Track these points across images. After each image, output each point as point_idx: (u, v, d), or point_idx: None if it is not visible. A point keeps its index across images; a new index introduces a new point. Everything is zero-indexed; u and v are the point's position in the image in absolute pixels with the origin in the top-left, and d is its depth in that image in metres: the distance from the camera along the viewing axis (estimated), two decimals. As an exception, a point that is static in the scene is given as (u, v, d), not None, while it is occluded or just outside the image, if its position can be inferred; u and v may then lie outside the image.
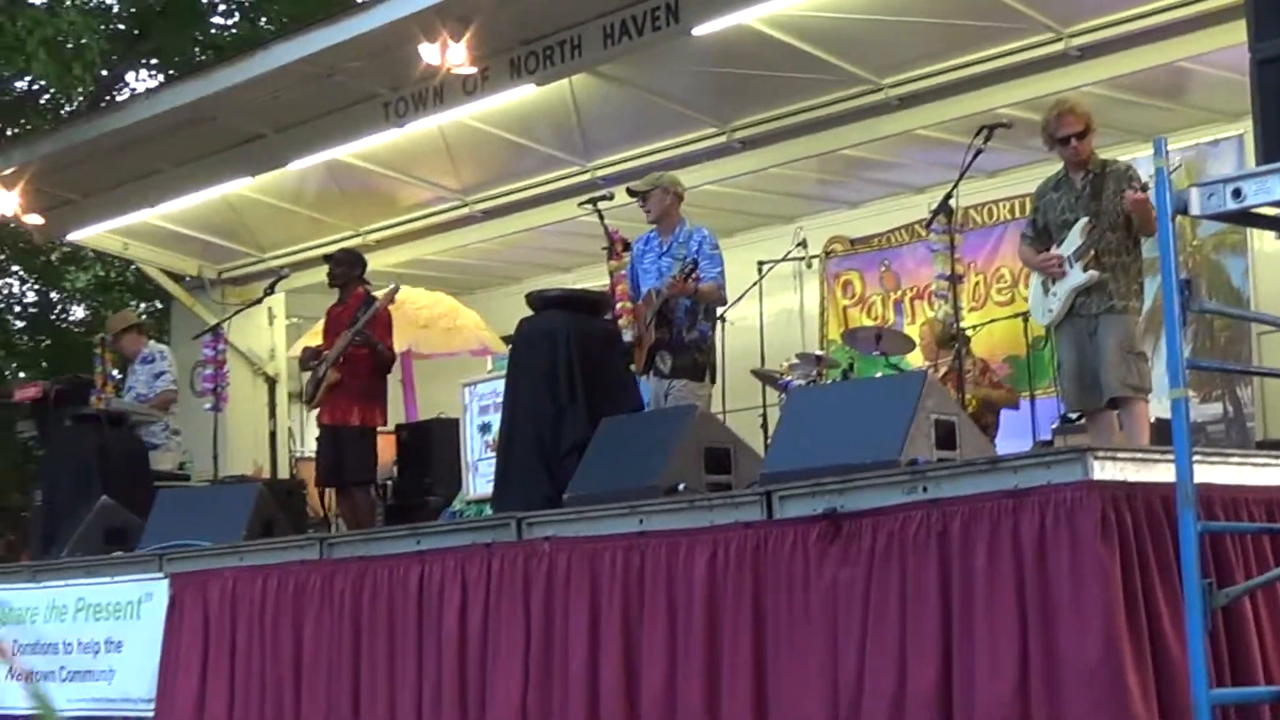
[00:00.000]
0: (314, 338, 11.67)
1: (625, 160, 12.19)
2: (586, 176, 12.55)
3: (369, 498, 11.17)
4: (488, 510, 9.46)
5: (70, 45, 13.60)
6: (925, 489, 5.96)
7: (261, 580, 8.45)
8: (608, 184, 11.34)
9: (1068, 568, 5.46)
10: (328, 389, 10.66)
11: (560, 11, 10.70)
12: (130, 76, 19.64)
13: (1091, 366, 7.79)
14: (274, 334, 15.65)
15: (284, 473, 14.69)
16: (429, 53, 10.36)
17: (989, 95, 10.50)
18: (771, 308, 12.77)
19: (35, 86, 18.08)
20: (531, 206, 13.37)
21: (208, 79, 12.42)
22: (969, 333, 10.96)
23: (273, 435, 15.46)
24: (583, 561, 6.96)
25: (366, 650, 7.84)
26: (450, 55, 10.37)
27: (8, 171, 13.55)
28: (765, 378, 11.56)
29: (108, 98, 18.20)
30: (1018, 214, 11.66)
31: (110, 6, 18.22)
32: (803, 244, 12.80)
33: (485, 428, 11.21)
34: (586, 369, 8.28)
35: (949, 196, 8.85)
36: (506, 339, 11.02)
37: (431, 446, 12.17)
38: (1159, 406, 8.10)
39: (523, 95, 11.49)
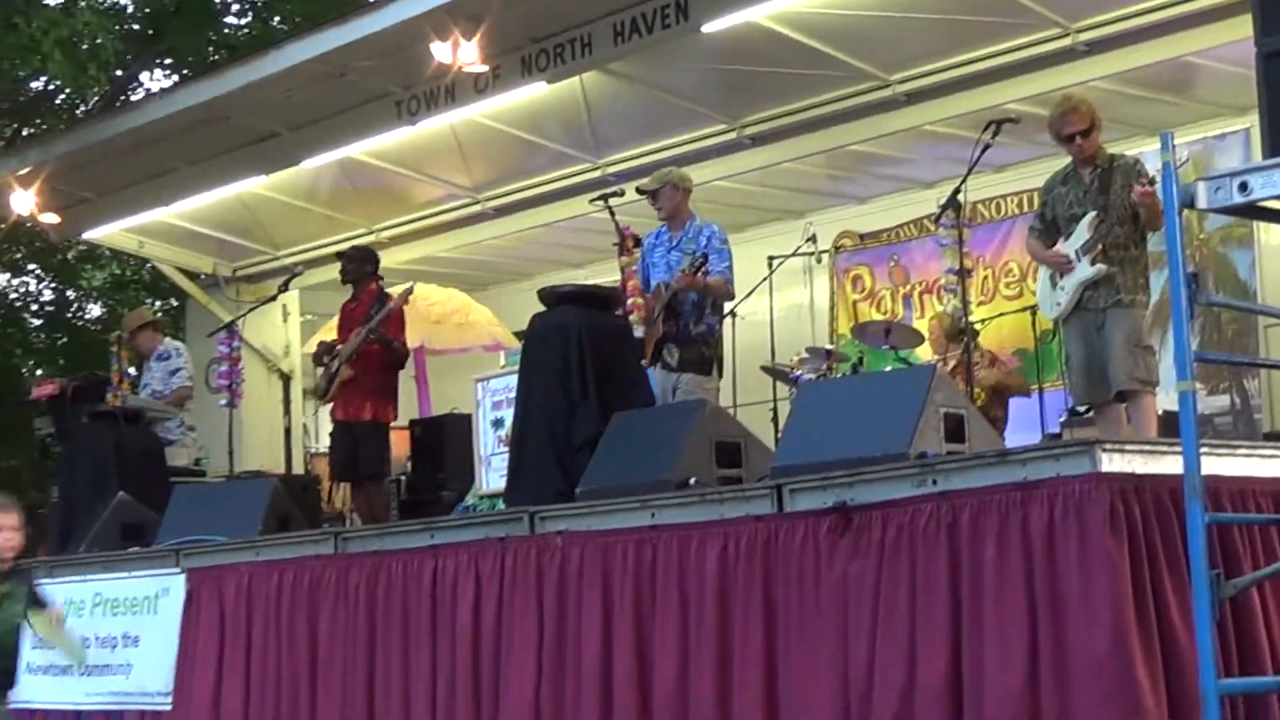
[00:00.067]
0: (328, 334, 11.72)
1: (636, 157, 12.20)
2: (597, 173, 12.55)
3: (383, 492, 11.24)
4: (501, 505, 9.45)
5: (85, 45, 13.64)
6: (935, 482, 5.97)
7: (277, 575, 8.50)
8: (619, 181, 11.33)
9: (1076, 559, 5.47)
10: (341, 385, 10.74)
11: (571, 10, 10.72)
12: (145, 76, 19.70)
13: (1099, 360, 7.82)
14: (288, 331, 15.67)
15: (299, 468, 14.74)
16: (441, 51, 10.38)
17: (997, 91, 10.50)
18: (781, 302, 12.80)
19: (51, 86, 18.11)
20: (543, 203, 13.38)
21: (221, 78, 12.43)
22: (977, 326, 10.96)
23: (287, 431, 15.48)
24: (595, 555, 6.99)
25: (381, 644, 7.88)
26: (462, 53, 10.38)
27: (24, 171, 13.58)
28: (775, 372, 11.58)
29: (122, 97, 18.21)
30: (1026, 208, 11.68)
31: (124, 7, 18.23)
32: (812, 239, 12.82)
33: (498, 423, 11.23)
34: (598, 364, 8.30)
35: (957, 191, 8.93)
36: (519, 334, 11.04)
37: (445, 442, 12.20)
38: (1166, 399, 8.03)
39: (534, 93, 11.49)
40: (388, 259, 12.62)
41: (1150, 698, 5.33)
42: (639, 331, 9.10)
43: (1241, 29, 8.81)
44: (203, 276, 15.90)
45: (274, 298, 13.31)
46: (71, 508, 10.85)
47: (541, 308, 8.79)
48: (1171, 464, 5.53)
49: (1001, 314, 11.89)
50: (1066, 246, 7.99)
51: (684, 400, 8.88)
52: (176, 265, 15.95)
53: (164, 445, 11.57)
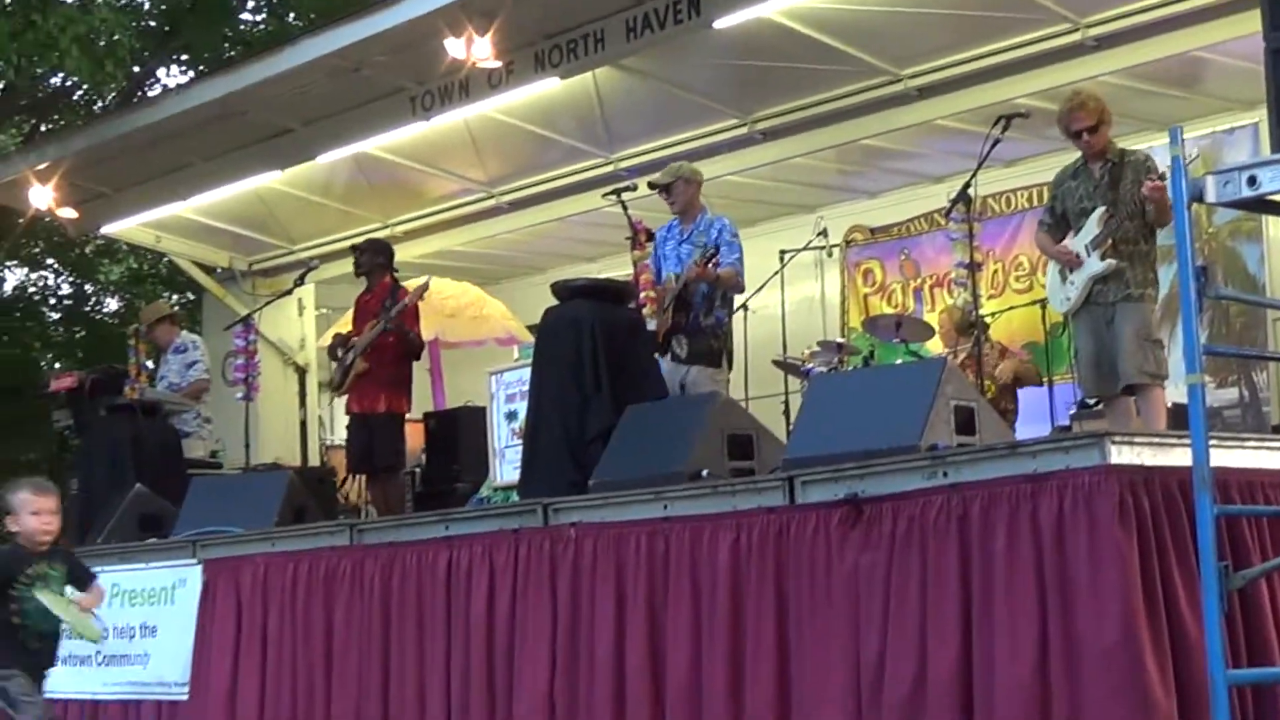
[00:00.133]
0: (343, 327, 11.76)
1: (648, 152, 12.25)
2: (610, 168, 12.60)
3: (398, 484, 11.28)
4: (515, 497, 9.48)
5: (102, 42, 13.70)
6: (945, 474, 5.98)
7: (293, 566, 8.51)
8: (631, 175, 11.39)
9: (1086, 551, 5.48)
10: (356, 377, 10.79)
11: (583, 5, 10.77)
12: (161, 72, 19.76)
13: (1109, 354, 7.84)
14: (304, 324, 15.73)
15: (314, 460, 14.77)
16: (454, 47, 10.42)
17: (1007, 85, 10.53)
18: (793, 296, 12.82)
19: (68, 83, 18.15)
20: (556, 198, 13.44)
21: (237, 74, 12.49)
22: (988, 320, 11.01)
23: (303, 424, 15.53)
24: (608, 546, 7.00)
25: (396, 634, 7.89)
26: (475, 49, 10.42)
27: (42, 166, 13.64)
28: (787, 365, 11.60)
29: (139, 94, 18.26)
30: (1036, 202, 11.70)
31: (141, 4, 18.21)
32: (823, 233, 12.72)
33: (512, 415, 11.22)
34: (611, 357, 8.32)
35: (968, 185, 8.96)
36: (532, 328, 11.08)
37: (459, 434, 12.20)
38: (1175, 392, 8.13)
39: (547, 88, 11.55)
40: (403, 253, 12.66)
41: (1159, 688, 5.33)
42: (652, 325, 9.12)
43: (1250, 24, 8.81)
44: (219, 270, 15.97)
45: (289, 291, 13.33)
46: (89, 499, 10.87)
47: (555, 301, 8.82)
48: (1180, 456, 5.53)
49: (1011, 307, 11.93)
50: (1076, 241, 8.00)
51: (697, 393, 8.91)
52: (193, 259, 16.03)
53: (181, 437, 11.60)
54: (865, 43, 10.85)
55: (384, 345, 10.76)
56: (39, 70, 16.52)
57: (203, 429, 12.13)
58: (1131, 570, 5.41)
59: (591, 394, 8.25)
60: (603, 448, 7.86)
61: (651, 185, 9.70)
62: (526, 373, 9.52)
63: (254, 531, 8.99)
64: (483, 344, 14.44)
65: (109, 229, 15.76)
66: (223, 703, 8.66)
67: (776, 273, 12.31)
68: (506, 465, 11.12)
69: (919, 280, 13.15)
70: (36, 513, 7.02)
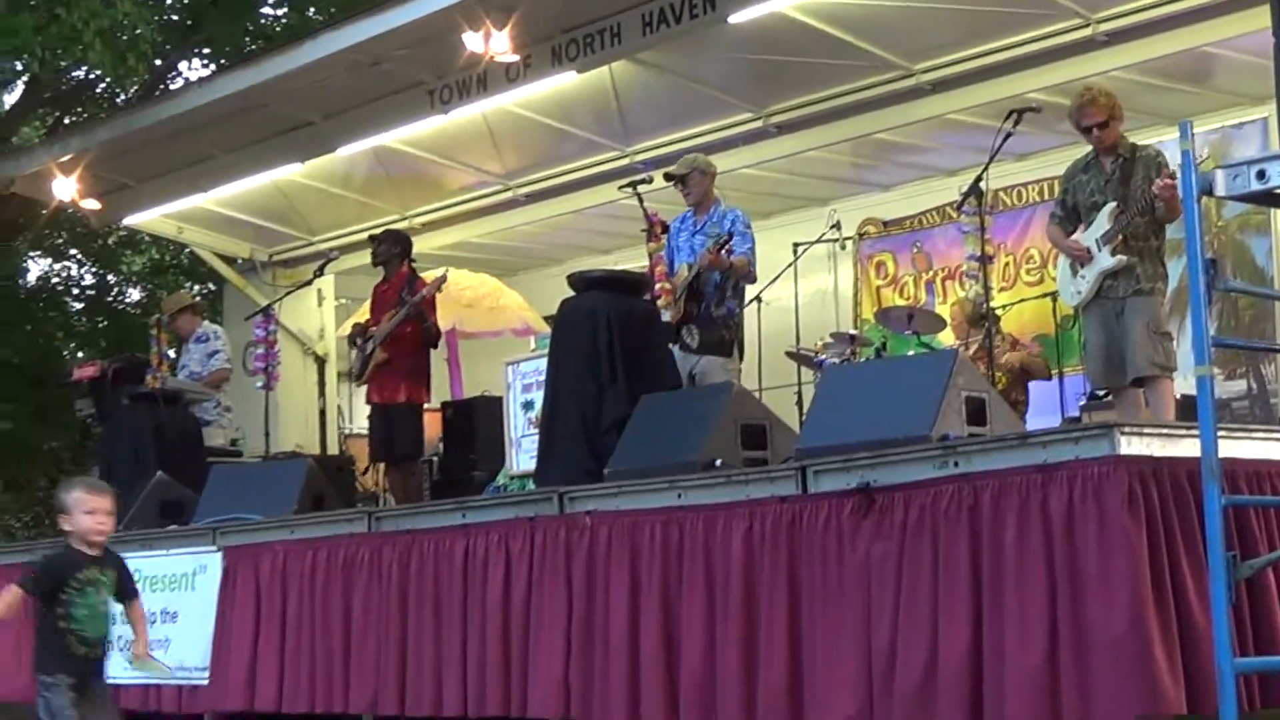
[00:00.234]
0: (361, 317, 11.83)
1: (664, 145, 12.28)
2: (626, 161, 12.65)
3: (416, 473, 11.36)
4: (531, 485, 9.54)
5: (125, 36, 13.77)
6: (956, 464, 6.01)
7: (311, 553, 8.56)
8: (647, 168, 11.44)
9: (1095, 541, 5.51)
10: (376, 367, 10.88)
11: (600, 1, 10.80)
12: (183, 66, 19.77)
13: (1119, 346, 7.88)
14: (323, 315, 15.81)
15: (333, 449, 14.84)
16: (473, 41, 10.49)
17: (1018, 80, 10.55)
18: (806, 288, 12.87)
19: (91, 76, 18.22)
20: (573, 190, 13.47)
21: (258, 68, 12.53)
22: (999, 312, 11.01)
23: (322, 413, 15.59)
24: (623, 535, 7.04)
25: (413, 620, 7.93)
26: (493, 43, 10.49)
27: (66, 158, 13.72)
28: (800, 357, 11.66)
29: (161, 87, 18.33)
30: (1047, 196, 11.72)
31: (164, -2, 18.40)
32: (837, 226, 12.91)
33: (528, 405, 11.26)
34: (627, 348, 8.38)
35: (979, 179, 9.00)
36: (549, 319, 11.17)
37: (476, 423, 12.26)
38: (1184, 383, 8.08)
39: (564, 82, 11.59)
40: (421, 244, 12.71)
41: (1167, 677, 5.37)
42: (667, 316, 9.17)
43: (1259, 20, 8.89)
44: (240, 261, 16.04)
45: (309, 282, 13.42)
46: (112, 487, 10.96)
47: (571, 292, 8.87)
48: (1189, 447, 5.56)
49: (1022, 300, 11.95)
50: (1087, 236, 8.05)
51: (709, 383, 8.95)
52: (214, 250, 16.09)
53: (201, 426, 11.65)
54: (878, 37, 10.88)
55: (402, 335, 10.85)
56: (63, 63, 16.58)
57: (222, 417, 12.20)
58: (1140, 560, 5.45)
59: (607, 384, 8.31)
60: (618, 437, 7.91)
61: (667, 176, 9.75)
62: (543, 363, 9.58)
63: (273, 519, 9.04)
64: (500, 334, 14.52)
65: (131, 220, 15.83)
66: (242, 687, 8.71)
67: (790, 265, 12.40)
68: (523, 454, 11.16)
69: (931, 273, 13.18)
70: (91, 512, 6.83)
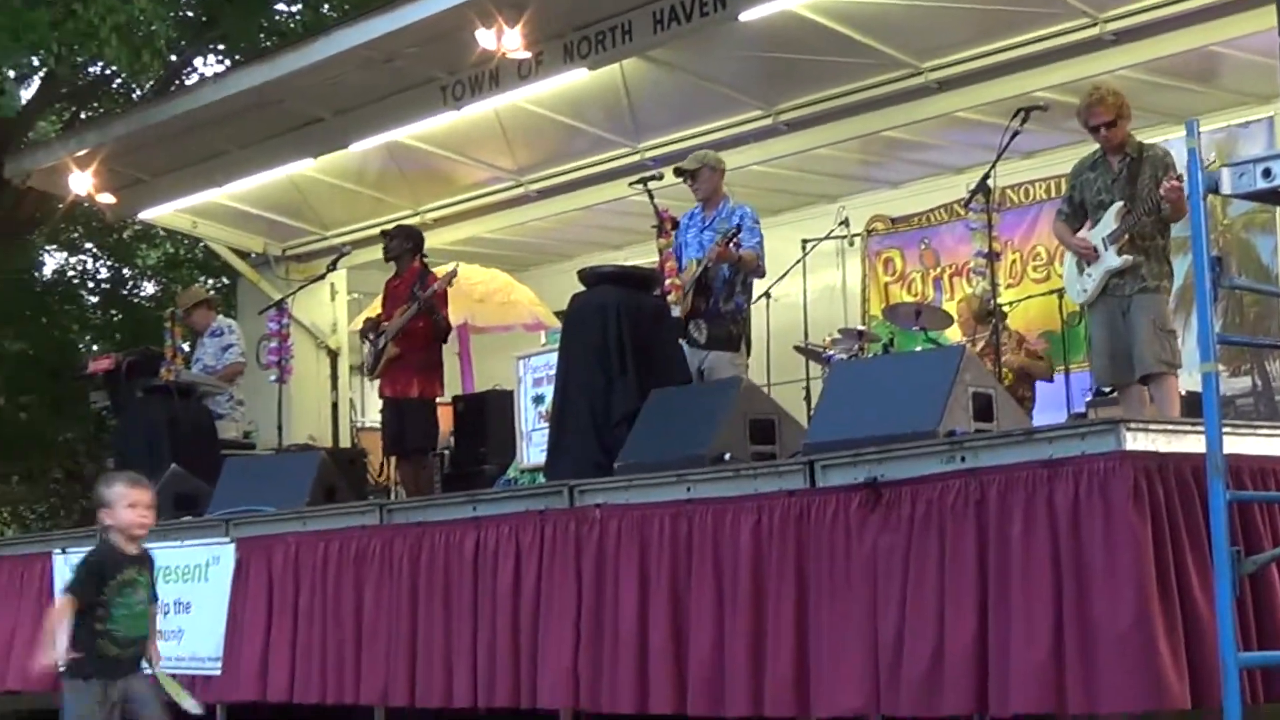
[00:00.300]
0: (373, 312, 11.80)
1: (674, 142, 12.31)
2: (637, 157, 12.67)
3: (427, 466, 11.38)
4: (541, 478, 9.59)
5: (141, 32, 13.82)
6: (963, 459, 6.04)
7: (323, 545, 8.59)
8: (657, 165, 11.47)
9: (1101, 536, 5.54)
10: (388, 362, 10.93)
11: (612, -2, 10.86)
12: (198, 61, 19.83)
13: (1124, 344, 7.90)
14: (336, 309, 15.84)
15: (345, 442, 14.91)
16: (485, 38, 10.54)
17: (1026, 79, 10.57)
18: (815, 284, 12.93)
19: (108, 71, 18.27)
20: (584, 186, 13.50)
21: (272, 64, 12.58)
22: (1005, 309, 11.06)
23: (335, 406, 15.66)
24: (632, 528, 7.07)
25: (424, 612, 7.95)
26: (505, 40, 10.54)
27: (82, 153, 13.78)
28: (808, 352, 11.67)
29: (177, 82, 18.37)
30: (1054, 194, 11.75)
31: (180, -7, 18.38)
32: (845, 223, 12.96)
33: (539, 399, 11.32)
34: (637, 342, 8.42)
35: (987, 177, 9.02)
36: (559, 314, 11.20)
37: (487, 417, 12.30)
38: (1189, 380, 8.19)
39: (575, 79, 11.63)
40: (433, 240, 12.77)
41: (1172, 671, 5.40)
42: (676, 311, 9.19)
43: (1265, 19, 8.90)
44: (253, 255, 16.08)
45: (322, 276, 13.40)
46: (126, 479, 11.00)
47: (582, 288, 8.92)
48: (1194, 443, 5.57)
49: (1029, 296, 11.98)
50: (1094, 234, 8.07)
51: (718, 378, 8.97)
52: (228, 245, 16.14)
53: (214, 419, 11.69)
54: (887, 36, 10.91)
55: (414, 330, 10.87)
56: (79, 59, 16.62)
57: (234, 411, 12.23)
58: (1145, 555, 5.48)
59: (617, 378, 8.34)
60: (628, 431, 7.93)
61: (677, 171, 9.77)
62: (553, 357, 9.62)
63: (286, 511, 9.07)
64: (511, 329, 14.55)
65: (146, 214, 15.86)
66: (254, 677, 8.76)
67: (799, 261, 12.45)
68: (533, 447, 11.19)
69: (938, 269, 13.22)
70: (133, 505, 6.67)
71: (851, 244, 13.46)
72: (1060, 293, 10.38)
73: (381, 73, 12.01)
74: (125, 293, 22.96)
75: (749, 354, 9.68)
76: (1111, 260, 7.94)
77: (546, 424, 10.12)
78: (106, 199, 14.35)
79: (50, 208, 17.65)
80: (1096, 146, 8.21)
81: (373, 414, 13.36)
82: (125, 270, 23.06)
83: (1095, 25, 10.21)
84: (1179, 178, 7.55)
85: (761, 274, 9.78)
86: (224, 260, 16.76)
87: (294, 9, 19.57)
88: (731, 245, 9.12)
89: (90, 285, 22.78)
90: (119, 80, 19.02)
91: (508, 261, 15.52)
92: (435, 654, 7.87)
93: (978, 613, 5.81)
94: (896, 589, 6.07)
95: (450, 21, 10.83)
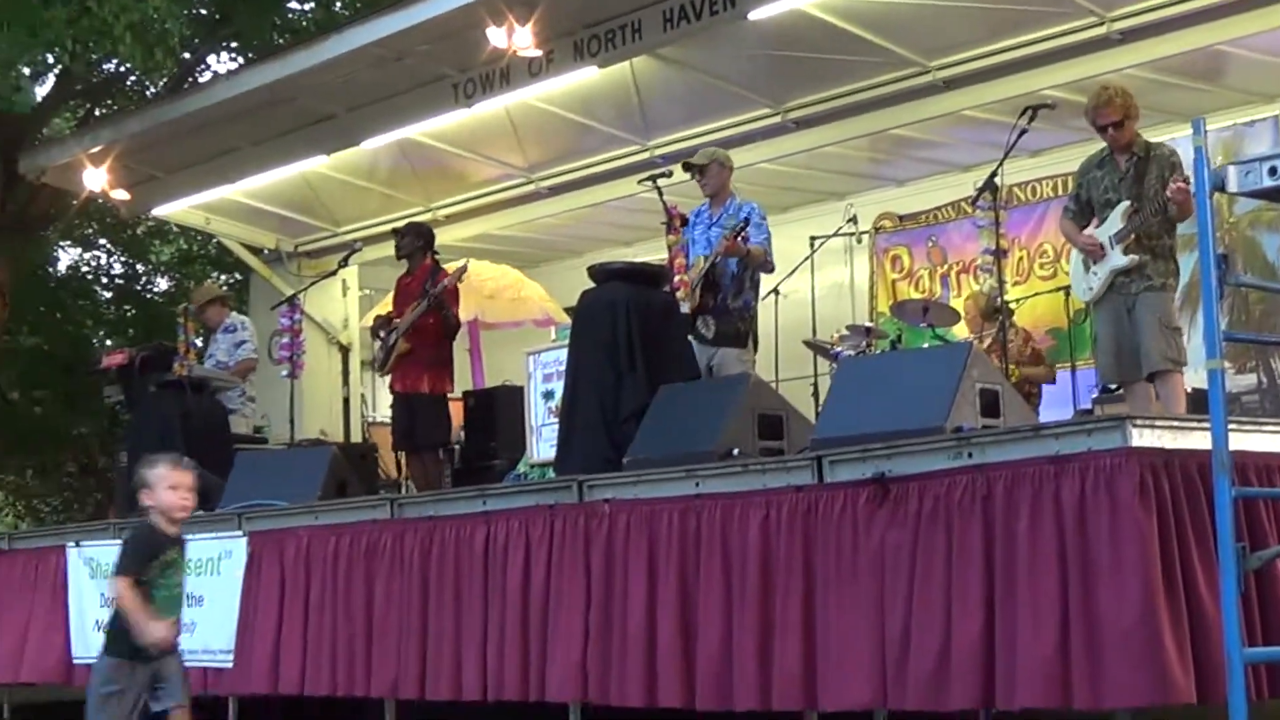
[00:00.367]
0: (384, 308, 11.90)
1: (684, 140, 12.36)
2: (646, 155, 12.74)
3: (438, 460, 11.42)
4: (550, 473, 9.60)
5: (155, 30, 13.88)
6: (970, 455, 6.04)
7: (335, 539, 8.60)
8: (667, 162, 11.48)
9: (1107, 532, 5.54)
10: (399, 358, 10.97)
11: (622, -4, 10.88)
12: (211, 59, 19.88)
13: (1130, 341, 7.93)
14: (347, 305, 15.92)
15: (356, 437, 14.96)
16: (496, 36, 10.60)
17: (1033, 77, 10.62)
18: (823, 281, 12.96)
19: (122, 69, 18.32)
20: (594, 183, 13.57)
21: (284, 62, 12.64)
22: (1012, 306, 11.02)
23: (346, 401, 15.72)
24: (641, 523, 7.08)
25: (434, 606, 7.97)
26: (516, 38, 10.60)
27: (96, 149, 13.86)
28: (816, 348, 11.72)
29: (190, 79, 18.43)
30: (1060, 192, 11.79)
31: (194, -9, 18.40)
32: (853, 220, 12.95)
33: (549, 394, 11.30)
34: (646, 338, 8.42)
35: (994, 175, 9.03)
36: (569, 310, 11.20)
37: (497, 412, 12.28)
38: (1195, 377, 8.23)
39: (586, 77, 11.68)
40: (444, 236, 12.81)
41: (1177, 666, 5.41)
42: (685, 307, 9.18)
43: (1272, 19, 9.03)
44: (266, 251, 16.16)
45: (334, 273, 13.50)
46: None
47: (592, 284, 8.92)
48: (1200, 440, 5.59)
49: (1036, 294, 12.03)
50: (1100, 233, 8.09)
51: (727, 374, 9.00)
52: (241, 241, 16.23)
53: (226, 414, 11.70)
54: (895, 35, 10.96)
55: (425, 327, 10.90)
56: (94, 56, 16.68)
57: (246, 406, 12.25)
58: (1151, 551, 5.49)
59: (626, 374, 8.35)
60: (637, 426, 7.95)
61: (686, 166, 9.80)
62: (563, 353, 9.64)
63: (298, 505, 9.09)
64: (521, 325, 14.59)
65: (160, 210, 15.92)
66: (265, 670, 8.79)
67: (807, 258, 12.47)
68: (543, 443, 11.20)
69: (946, 266, 13.26)
70: (174, 487, 6.69)
71: (859, 241, 13.47)
72: (1067, 290, 10.40)
73: (393, 70, 12.05)
74: (139, 288, 23.06)
75: (757, 350, 9.69)
76: (1117, 259, 7.97)
77: (556, 419, 10.10)
78: (120, 195, 14.39)
79: (65, 204, 17.69)
80: (1104, 145, 8.22)
81: (384, 409, 13.39)
82: (139, 266, 23.14)
83: (1102, 24, 10.26)
84: (1186, 179, 7.54)
85: (770, 269, 9.78)
86: (236, 256, 16.84)
87: (306, 7, 19.60)
88: (739, 239, 9.14)
89: (104, 281, 22.88)
90: (133, 77, 19.07)
91: (518, 258, 15.55)
92: (445, 647, 7.89)
93: (984, 608, 5.82)
94: (904, 584, 6.08)
95: (461, 19, 10.88)
